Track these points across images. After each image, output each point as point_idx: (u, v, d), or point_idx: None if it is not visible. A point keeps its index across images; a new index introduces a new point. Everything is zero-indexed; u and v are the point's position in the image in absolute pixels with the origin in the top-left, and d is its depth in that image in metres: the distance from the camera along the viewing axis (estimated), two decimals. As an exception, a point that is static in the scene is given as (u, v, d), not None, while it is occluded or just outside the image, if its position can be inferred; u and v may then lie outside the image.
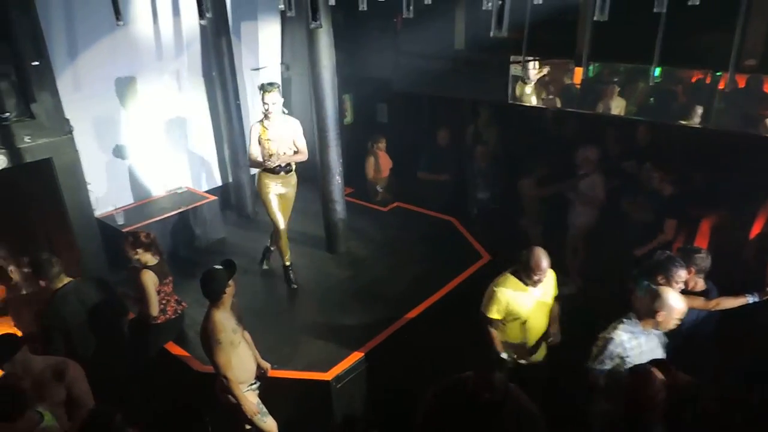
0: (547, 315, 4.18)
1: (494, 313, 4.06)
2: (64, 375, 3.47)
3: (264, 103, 5.05)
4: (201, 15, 2.48)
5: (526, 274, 3.94)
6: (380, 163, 7.43)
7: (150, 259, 4.49)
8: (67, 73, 5.38)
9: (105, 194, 6.13)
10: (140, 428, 3.10)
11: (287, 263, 5.67)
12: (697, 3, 2.21)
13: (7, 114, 4.46)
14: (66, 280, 4.18)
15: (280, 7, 2.94)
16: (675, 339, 3.71)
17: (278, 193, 5.47)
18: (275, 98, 5.07)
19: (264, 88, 5.04)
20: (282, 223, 5.51)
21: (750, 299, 3.89)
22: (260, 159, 5.26)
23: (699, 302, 3.89)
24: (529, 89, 6.66)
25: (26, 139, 4.66)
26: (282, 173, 5.39)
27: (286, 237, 5.60)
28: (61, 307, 4.08)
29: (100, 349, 4.28)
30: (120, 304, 4.57)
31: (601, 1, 1.98)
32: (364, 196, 7.52)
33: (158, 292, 4.50)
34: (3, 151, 4.52)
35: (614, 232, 5.66)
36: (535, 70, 6.42)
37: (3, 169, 4.58)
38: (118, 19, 2.92)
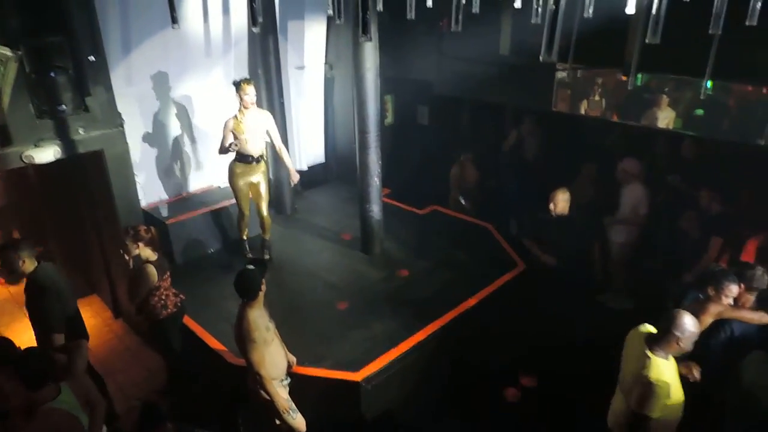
0: None
1: (659, 411, 3.25)
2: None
3: (246, 95, 5.41)
4: (254, 22, 2.54)
5: (677, 344, 3.29)
6: (466, 175, 7.32)
7: (150, 254, 4.57)
8: (120, 68, 5.54)
9: (150, 186, 6.32)
10: (175, 418, 3.22)
11: (245, 238, 6.15)
12: (755, 24, 2.14)
13: (64, 107, 4.64)
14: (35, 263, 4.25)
15: (328, 12, 2.98)
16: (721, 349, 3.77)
17: (248, 182, 5.77)
18: (253, 91, 5.46)
19: (244, 82, 5.43)
20: (247, 211, 5.95)
21: None
22: (226, 145, 5.56)
23: (746, 315, 3.88)
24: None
25: (80, 131, 4.85)
26: (253, 163, 5.71)
27: (247, 221, 6.06)
28: (44, 280, 4.18)
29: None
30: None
31: (654, 23, 1.92)
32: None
33: (158, 288, 4.59)
34: (58, 142, 4.72)
35: (662, 247, 5.56)
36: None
37: (57, 160, 4.76)
38: (174, 22, 3.01)
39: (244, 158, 5.66)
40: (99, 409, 3.41)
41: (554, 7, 1.62)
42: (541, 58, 1.77)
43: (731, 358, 3.81)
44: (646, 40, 1.99)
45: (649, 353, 3.29)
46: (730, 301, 3.87)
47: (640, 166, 5.65)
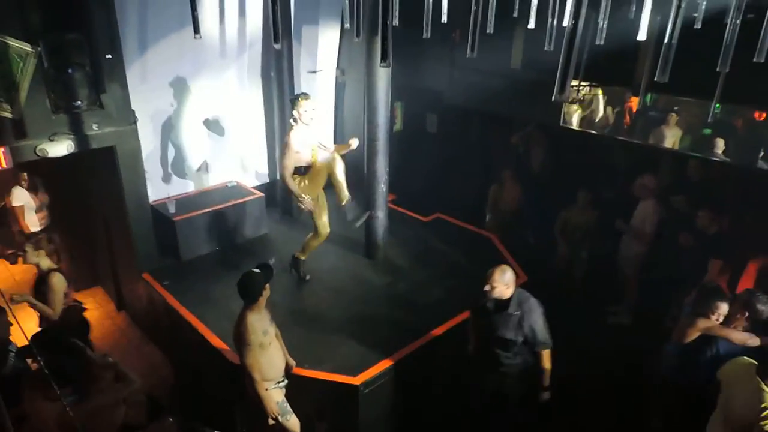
0: None
1: None
2: None
3: (305, 111, 5.07)
4: (276, 40, 2.59)
5: None
6: (505, 194, 7.02)
7: (50, 263, 4.65)
8: (136, 66, 5.62)
9: (160, 183, 6.39)
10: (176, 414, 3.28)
11: (303, 258, 5.83)
12: (763, 61, 2.19)
13: (79, 103, 4.73)
14: None
15: (346, 26, 3.04)
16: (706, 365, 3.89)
17: (315, 197, 5.53)
18: (311, 106, 5.13)
19: (302, 97, 5.13)
20: (328, 228, 5.67)
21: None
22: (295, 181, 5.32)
23: (733, 335, 3.94)
24: (575, 111, 6.58)
25: (94, 127, 4.94)
26: None
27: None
28: None
29: None
30: None
31: (663, 63, 1.98)
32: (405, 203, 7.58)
33: (66, 295, 4.68)
34: (72, 137, 4.80)
35: (666, 265, 5.60)
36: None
37: (69, 155, 4.84)
38: (196, 32, 3.07)
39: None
40: None
41: (567, 48, 1.66)
42: (553, 98, 1.82)
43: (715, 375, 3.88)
44: (655, 79, 2.04)
45: (766, 387, 3.32)
46: (718, 318, 3.96)
47: (656, 183, 5.72)
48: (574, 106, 6.50)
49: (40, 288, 4.64)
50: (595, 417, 4.95)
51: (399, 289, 5.81)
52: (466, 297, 5.53)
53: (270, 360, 3.94)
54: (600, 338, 5.66)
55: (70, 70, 4.62)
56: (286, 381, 4.15)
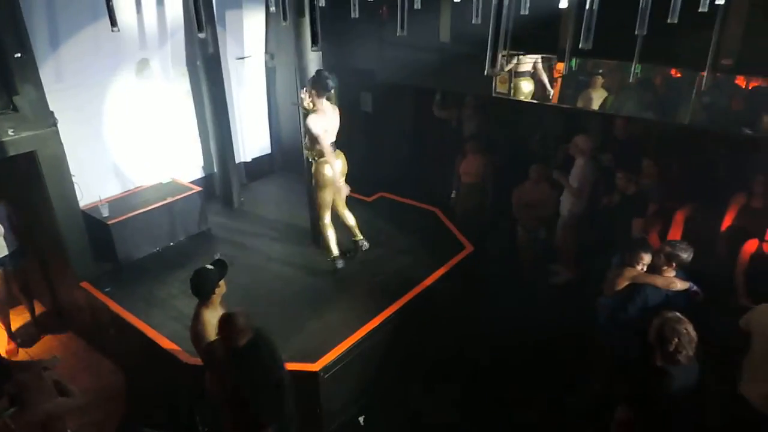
0: None
1: None
2: None
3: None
4: (200, 28, 2.49)
5: None
6: (462, 166, 6.88)
7: None
8: (50, 64, 5.29)
9: (89, 185, 6.06)
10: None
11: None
12: (676, 21, 2.31)
13: (-10, 107, 4.42)
14: None
15: (272, 9, 2.96)
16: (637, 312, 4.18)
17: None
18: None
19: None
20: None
21: (692, 288, 4.19)
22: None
23: (657, 280, 4.21)
24: (526, 84, 6.73)
25: (10, 132, 4.64)
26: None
27: None
28: None
29: None
30: None
31: (587, 31, 2.05)
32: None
33: None
34: (-14, 144, 4.49)
35: (600, 224, 5.84)
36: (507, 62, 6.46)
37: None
38: (113, 25, 2.91)
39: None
40: None
41: (495, 22, 1.69)
42: (485, 72, 1.84)
43: (646, 319, 4.13)
44: (580, 45, 2.11)
45: None
46: (642, 268, 4.26)
47: (589, 144, 5.87)
48: (522, 79, 6.64)
49: None
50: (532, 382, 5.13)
51: (348, 271, 5.80)
52: (414, 274, 5.65)
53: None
54: (541, 299, 5.89)
55: (-25, 73, 4.31)
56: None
